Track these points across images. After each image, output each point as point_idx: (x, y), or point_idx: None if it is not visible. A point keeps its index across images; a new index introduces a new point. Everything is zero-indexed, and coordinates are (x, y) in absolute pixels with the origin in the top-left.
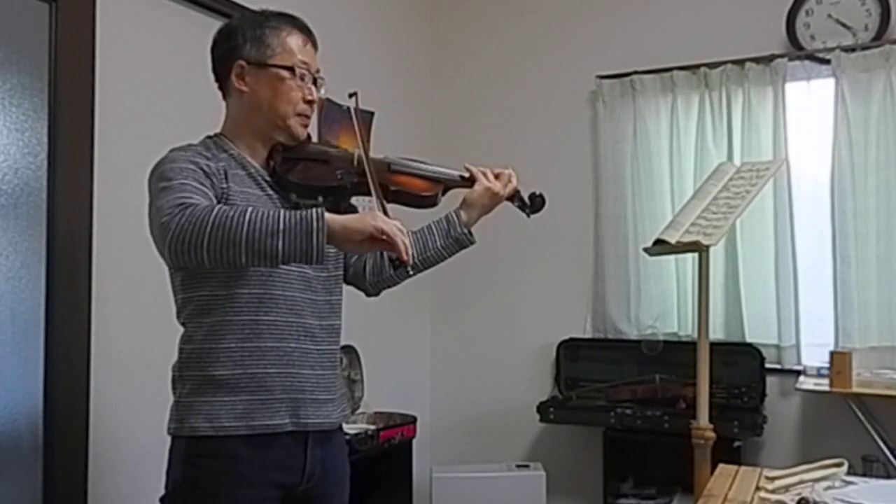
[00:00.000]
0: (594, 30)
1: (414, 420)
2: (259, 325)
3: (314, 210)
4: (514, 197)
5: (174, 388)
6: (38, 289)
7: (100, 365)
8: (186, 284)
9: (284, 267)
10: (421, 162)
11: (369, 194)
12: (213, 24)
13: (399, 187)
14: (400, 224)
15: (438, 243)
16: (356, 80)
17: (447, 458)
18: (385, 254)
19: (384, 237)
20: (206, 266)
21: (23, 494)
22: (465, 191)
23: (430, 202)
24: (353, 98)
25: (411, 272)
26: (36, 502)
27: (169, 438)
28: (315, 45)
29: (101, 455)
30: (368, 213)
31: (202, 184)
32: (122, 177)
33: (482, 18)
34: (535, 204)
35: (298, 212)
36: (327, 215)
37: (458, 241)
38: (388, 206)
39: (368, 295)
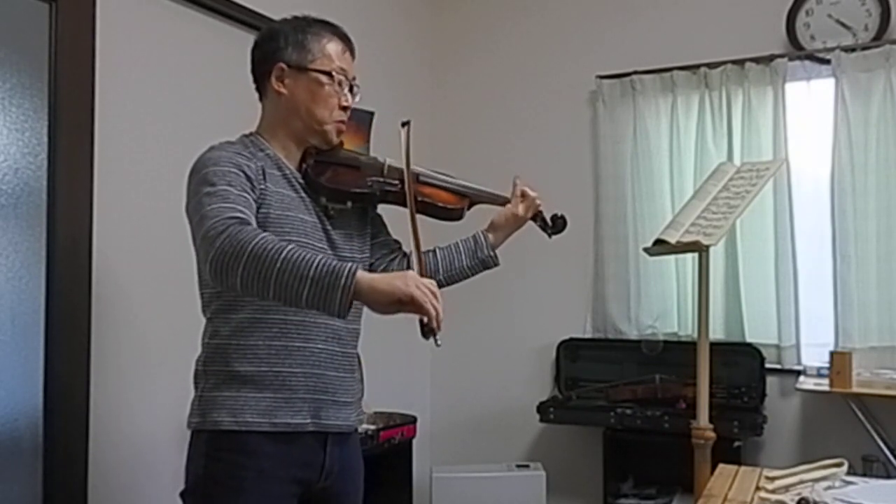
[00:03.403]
0: (594, 30)
1: (414, 420)
2: (287, 325)
3: (348, 266)
4: (537, 217)
5: (197, 383)
6: (38, 289)
7: (100, 365)
8: None
9: None
10: (447, 175)
11: (397, 203)
12: (213, 24)
13: (426, 199)
14: (433, 286)
15: (465, 263)
16: (356, 79)
17: (447, 458)
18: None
19: (412, 303)
20: (239, 292)
21: (23, 494)
22: (491, 207)
23: (455, 215)
24: (406, 127)
25: (439, 343)
26: (36, 502)
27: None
28: (353, 53)
29: (101, 455)
30: (400, 276)
31: (244, 190)
32: (122, 177)
33: (482, 18)
34: (556, 225)
35: (332, 263)
36: (360, 273)
37: (484, 262)
38: (417, 223)
39: None
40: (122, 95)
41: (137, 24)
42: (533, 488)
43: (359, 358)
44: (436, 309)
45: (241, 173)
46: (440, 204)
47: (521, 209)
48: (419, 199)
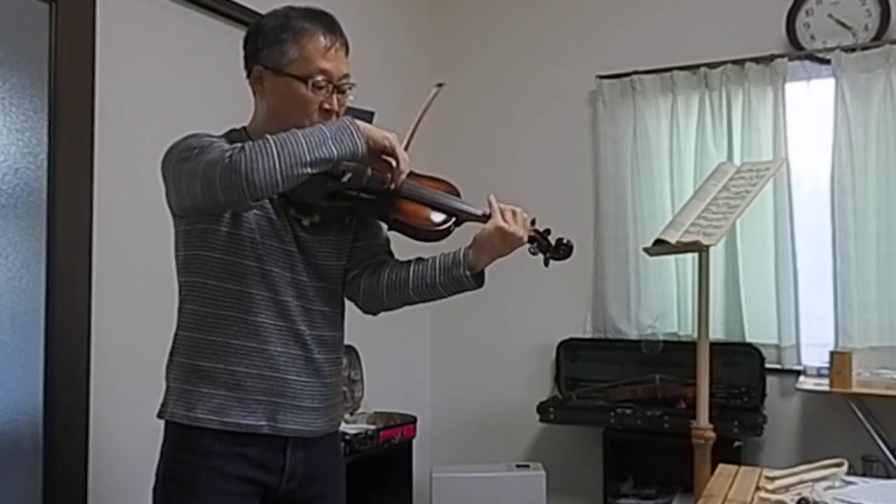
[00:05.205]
0: (594, 30)
1: (414, 420)
2: (247, 325)
3: (344, 118)
4: (533, 239)
5: (166, 374)
6: (38, 289)
7: (100, 365)
8: (182, 268)
9: (277, 270)
10: (440, 185)
11: (368, 214)
12: (213, 24)
13: (400, 217)
14: (407, 158)
15: (438, 279)
16: (356, 79)
17: (447, 458)
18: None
19: (389, 157)
20: (278, 188)
21: (23, 494)
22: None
23: (435, 236)
24: (438, 89)
25: (392, 187)
26: (36, 502)
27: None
28: (346, 47)
29: (101, 455)
30: (391, 135)
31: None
32: (122, 177)
33: (482, 18)
34: (559, 251)
35: (334, 123)
36: (357, 122)
37: (458, 281)
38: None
39: (365, 313)
40: (122, 95)
41: (137, 24)
42: (533, 488)
43: (356, 359)
44: (402, 173)
45: (217, 138)
46: (414, 224)
47: (501, 220)
48: (391, 215)
